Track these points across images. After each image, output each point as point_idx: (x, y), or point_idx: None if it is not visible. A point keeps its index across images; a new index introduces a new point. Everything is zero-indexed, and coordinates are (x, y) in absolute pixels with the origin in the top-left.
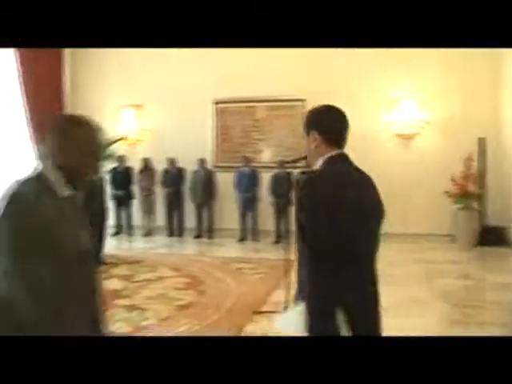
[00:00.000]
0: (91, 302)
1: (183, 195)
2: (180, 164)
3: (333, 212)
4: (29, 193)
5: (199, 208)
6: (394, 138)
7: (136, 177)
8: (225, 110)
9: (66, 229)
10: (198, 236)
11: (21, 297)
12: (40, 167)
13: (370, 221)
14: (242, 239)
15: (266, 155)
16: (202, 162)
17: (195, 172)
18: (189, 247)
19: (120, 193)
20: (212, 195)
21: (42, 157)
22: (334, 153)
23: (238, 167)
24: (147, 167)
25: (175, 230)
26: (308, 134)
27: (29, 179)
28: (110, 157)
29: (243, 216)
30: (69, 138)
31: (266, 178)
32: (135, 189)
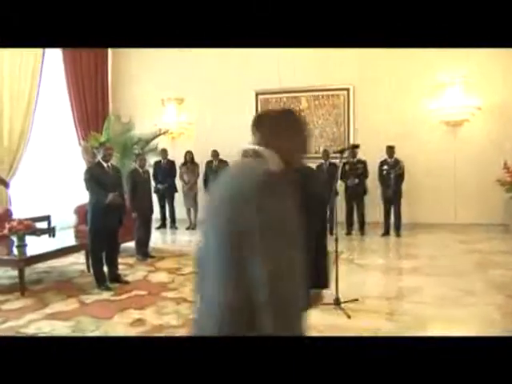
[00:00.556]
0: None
1: None
2: (222, 157)
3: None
4: (271, 180)
5: None
6: (441, 125)
7: (179, 170)
8: (267, 101)
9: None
10: None
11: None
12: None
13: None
14: None
15: (310, 145)
16: (246, 153)
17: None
18: None
19: (163, 186)
20: None
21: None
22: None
23: None
24: (190, 160)
25: None
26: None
27: (259, 165)
28: (152, 151)
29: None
30: (297, 134)
31: None
32: (178, 182)
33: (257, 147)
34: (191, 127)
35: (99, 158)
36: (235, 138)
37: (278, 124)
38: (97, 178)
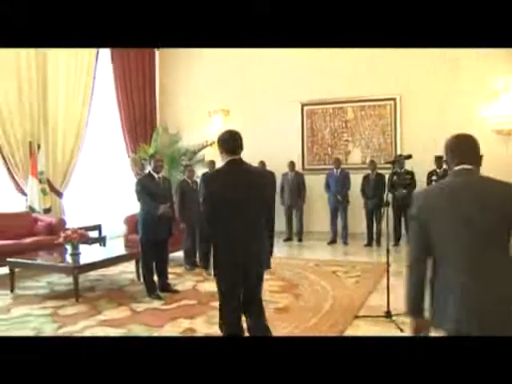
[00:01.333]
0: None
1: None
2: (269, 167)
3: (216, 201)
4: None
5: (289, 211)
6: (492, 133)
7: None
8: (313, 112)
9: None
10: (288, 239)
11: None
12: None
13: (249, 210)
14: (333, 242)
15: (356, 156)
16: (292, 164)
17: (284, 175)
18: (279, 250)
19: None
20: (302, 198)
21: None
22: (230, 158)
23: (327, 169)
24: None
25: None
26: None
27: None
28: (200, 162)
29: (333, 219)
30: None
31: (356, 179)
32: None
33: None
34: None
35: (150, 169)
36: (281, 149)
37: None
38: (148, 189)
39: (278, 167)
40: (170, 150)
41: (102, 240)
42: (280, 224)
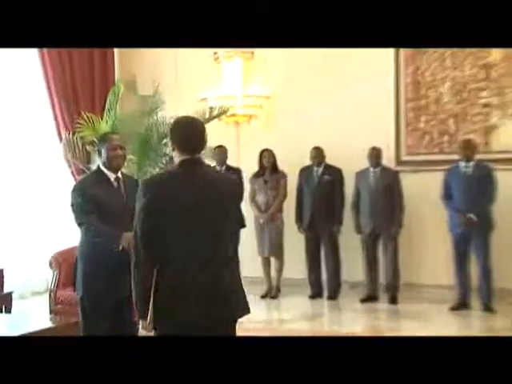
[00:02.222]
0: None
1: None
2: (331, 161)
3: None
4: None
5: (370, 242)
6: None
7: (249, 186)
8: (417, 54)
9: None
10: (371, 297)
11: None
12: None
13: (206, 217)
14: (461, 306)
15: (509, 136)
16: (377, 154)
17: (361, 175)
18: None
19: None
20: (397, 217)
21: None
22: (184, 158)
23: (448, 162)
24: (271, 167)
25: None
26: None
27: None
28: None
29: (462, 261)
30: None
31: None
32: (246, 208)
33: None
34: (270, 106)
35: (100, 163)
36: (352, 126)
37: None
38: (96, 200)
39: (346, 161)
40: (142, 127)
41: (2, 301)
42: (351, 267)
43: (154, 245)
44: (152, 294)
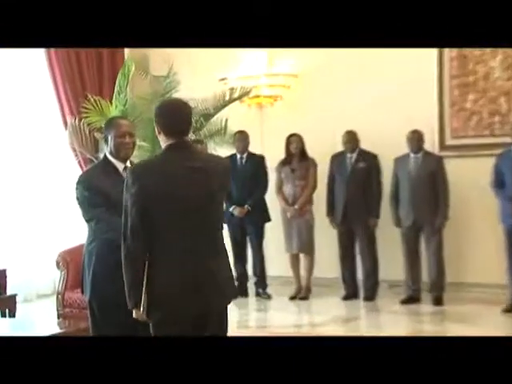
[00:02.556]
0: None
1: None
2: (366, 147)
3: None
4: None
5: (412, 235)
6: None
7: (275, 174)
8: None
9: None
10: (412, 299)
11: None
12: None
13: (199, 214)
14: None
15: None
16: (418, 138)
17: (400, 161)
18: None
19: (239, 209)
20: (441, 209)
21: None
22: (171, 142)
23: (499, 146)
24: (299, 154)
25: None
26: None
27: None
28: (217, 135)
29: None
30: None
31: None
32: (271, 199)
33: None
34: (298, 85)
35: (106, 151)
36: (389, 107)
37: None
38: (103, 191)
39: (383, 146)
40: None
41: (5, 304)
42: (390, 264)
43: (144, 234)
44: (144, 284)
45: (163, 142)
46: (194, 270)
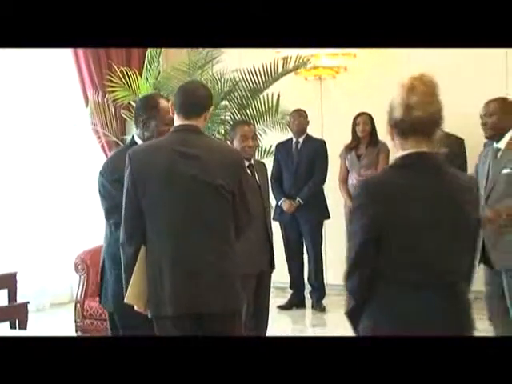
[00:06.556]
0: None
1: None
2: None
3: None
4: None
5: None
6: None
7: (341, 161)
8: None
9: None
10: None
11: None
12: None
13: (204, 206)
14: None
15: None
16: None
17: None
18: None
19: (293, 204)
20: None
21: None
22: (178, 124)
23: None
24: (369, 137)
25: None
26: None
27: None
28: (267, 114)
29: None
30: None
31: None
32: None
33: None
34: (365, 55)
35: (135, 133)
36: (462, 88)
37: None
38: None
39: (466, 128)
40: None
41: (15, 313)
42: None
43: (138, 220)
44: (134, 272)
45: (176, 122)
46: (187, 272)
